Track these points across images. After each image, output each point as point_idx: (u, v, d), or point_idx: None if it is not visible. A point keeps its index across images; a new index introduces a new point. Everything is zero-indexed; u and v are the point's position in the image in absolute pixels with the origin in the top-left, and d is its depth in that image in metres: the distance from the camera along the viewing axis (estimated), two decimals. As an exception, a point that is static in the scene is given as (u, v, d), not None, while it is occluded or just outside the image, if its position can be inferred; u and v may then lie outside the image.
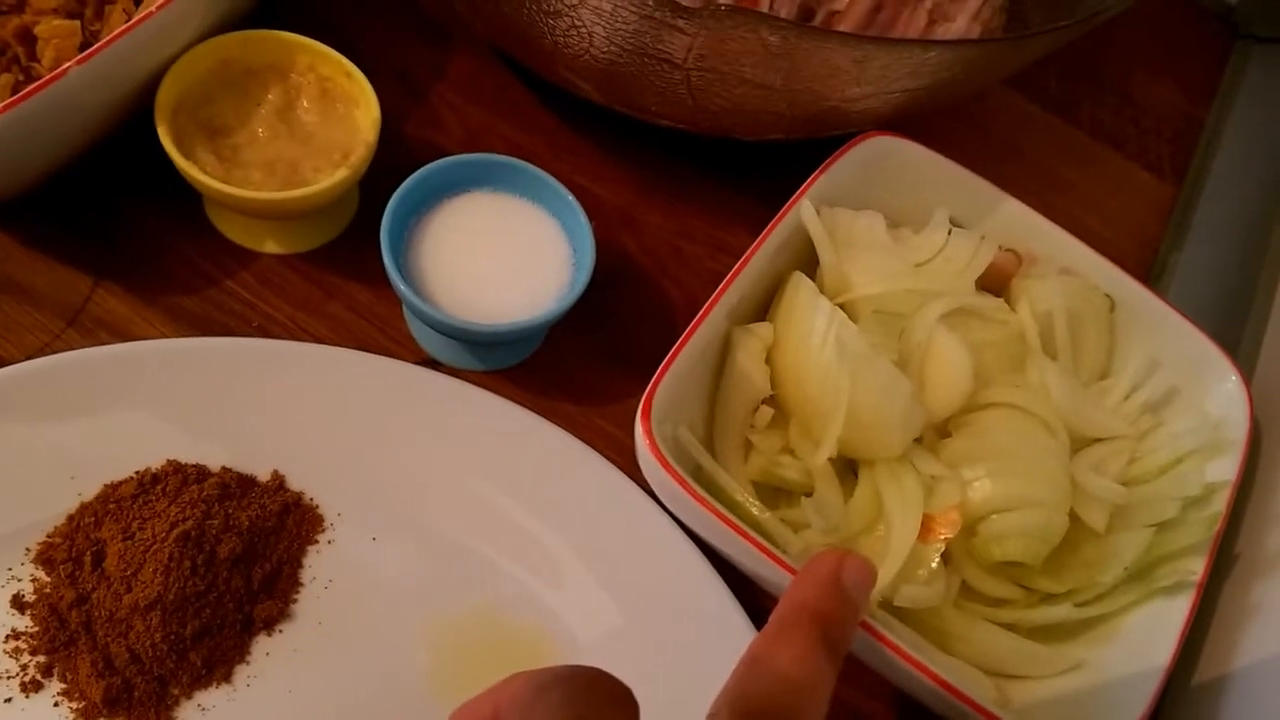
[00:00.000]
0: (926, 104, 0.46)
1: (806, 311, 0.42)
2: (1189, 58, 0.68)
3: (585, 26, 0.41)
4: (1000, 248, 0.46)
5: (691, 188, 0.53)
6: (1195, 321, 0.46)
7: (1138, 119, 0.64)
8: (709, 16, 0.38)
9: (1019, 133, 0.61)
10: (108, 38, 0.39)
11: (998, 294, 0.46)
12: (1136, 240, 0.59)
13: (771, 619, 0.30)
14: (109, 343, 0.41)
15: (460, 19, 0.55)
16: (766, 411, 0.42)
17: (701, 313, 0.40)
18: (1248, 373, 0.48)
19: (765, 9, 0.48)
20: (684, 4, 0.38)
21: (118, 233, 0.45)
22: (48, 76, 0.37)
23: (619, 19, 0.39)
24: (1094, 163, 0.61)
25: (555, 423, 0.43)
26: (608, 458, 0.42)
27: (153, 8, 0.40)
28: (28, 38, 0.43)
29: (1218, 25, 0.71)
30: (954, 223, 0.47)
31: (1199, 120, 0.66)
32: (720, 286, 0.41)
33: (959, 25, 0.52)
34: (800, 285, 0.43)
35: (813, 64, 0.40)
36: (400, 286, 0.41)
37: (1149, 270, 0.58)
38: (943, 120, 0.56)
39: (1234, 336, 0.53)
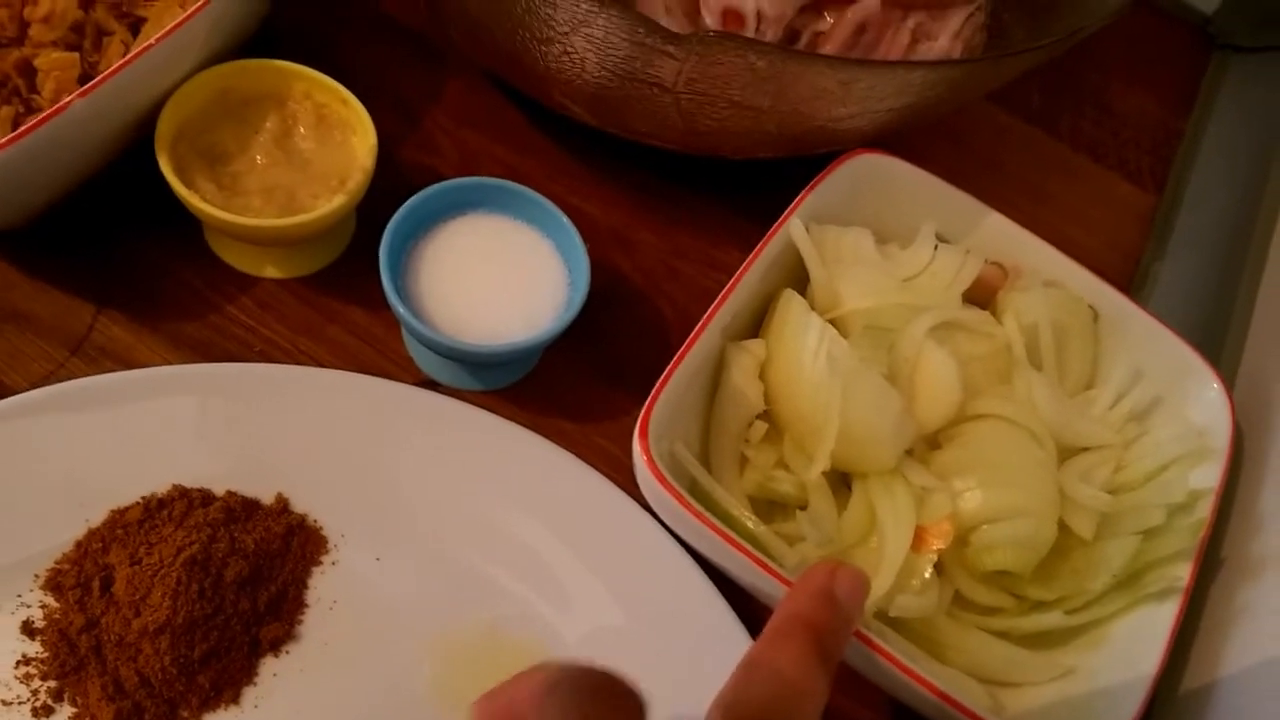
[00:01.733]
0: (911, 121, 0.47)
1: (798, 328, 0.42)
2: (1167, 69, 0.70)
3: (577, 53, 0.42)
4: (986, 261, 0.47)
5: (683, 207, 0.54)
6: (1177, 331, 0.47)
7: (1118, 130, 0.65)
8: (697, 42, 0.39)
9: (1000, 146, 0.62)
10: (109, 70, 0.39)
11: (984, 307, 0.47)
12: (1119, 251, 0.60)
13: (766, 629, 0.31)
14: (113, 370, 0.42)
15: (454, 45, 0.56)
16: (761, 427, 0.43)
17: (696, 330, 0.41)
18: (1229, 380, 0.49)
19: (751, 33, 0.49)
20: (673, 30, 0.39)
21: (119, 261, 0.46)
22: (50, 110, 0.38)
23: (610, 45, 0.40)
24: (1075, 174, 0.62)
25: (553, 441, 0.44)
26: (605, 474, 0.43)
27: (153, 39, 0.40)
28: (28, 70, 0.43)
29: (1195, 36, 0.72)
30: (940, 238, 0.48)
31: (1178, 131, 0.67)
32: (714, 304, 0.42)
33: (941, 44, 0.53)
34: (791, 302, 0.44)
35: (799, 86, 0.41)
36: (399, 309, 0.41)
37: (1131, 281, 0.59)
38: (925, 135, 0.57)
39: (1216, 345, 0.54)
